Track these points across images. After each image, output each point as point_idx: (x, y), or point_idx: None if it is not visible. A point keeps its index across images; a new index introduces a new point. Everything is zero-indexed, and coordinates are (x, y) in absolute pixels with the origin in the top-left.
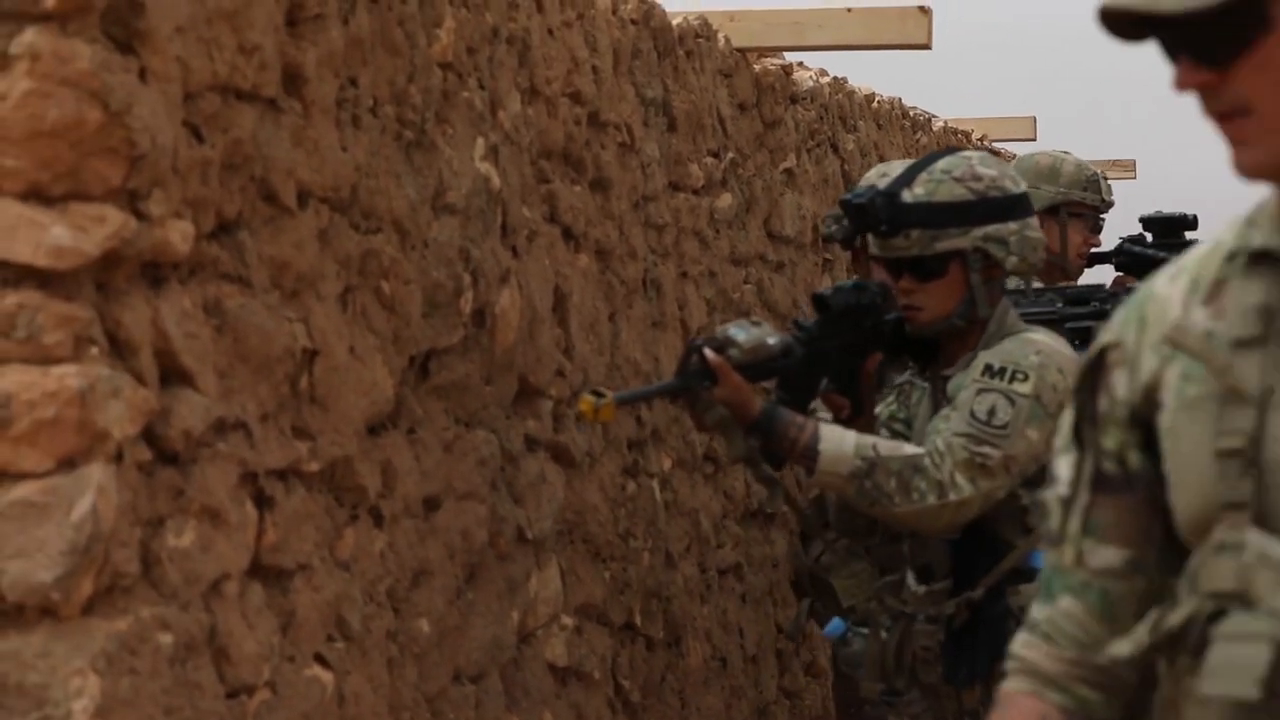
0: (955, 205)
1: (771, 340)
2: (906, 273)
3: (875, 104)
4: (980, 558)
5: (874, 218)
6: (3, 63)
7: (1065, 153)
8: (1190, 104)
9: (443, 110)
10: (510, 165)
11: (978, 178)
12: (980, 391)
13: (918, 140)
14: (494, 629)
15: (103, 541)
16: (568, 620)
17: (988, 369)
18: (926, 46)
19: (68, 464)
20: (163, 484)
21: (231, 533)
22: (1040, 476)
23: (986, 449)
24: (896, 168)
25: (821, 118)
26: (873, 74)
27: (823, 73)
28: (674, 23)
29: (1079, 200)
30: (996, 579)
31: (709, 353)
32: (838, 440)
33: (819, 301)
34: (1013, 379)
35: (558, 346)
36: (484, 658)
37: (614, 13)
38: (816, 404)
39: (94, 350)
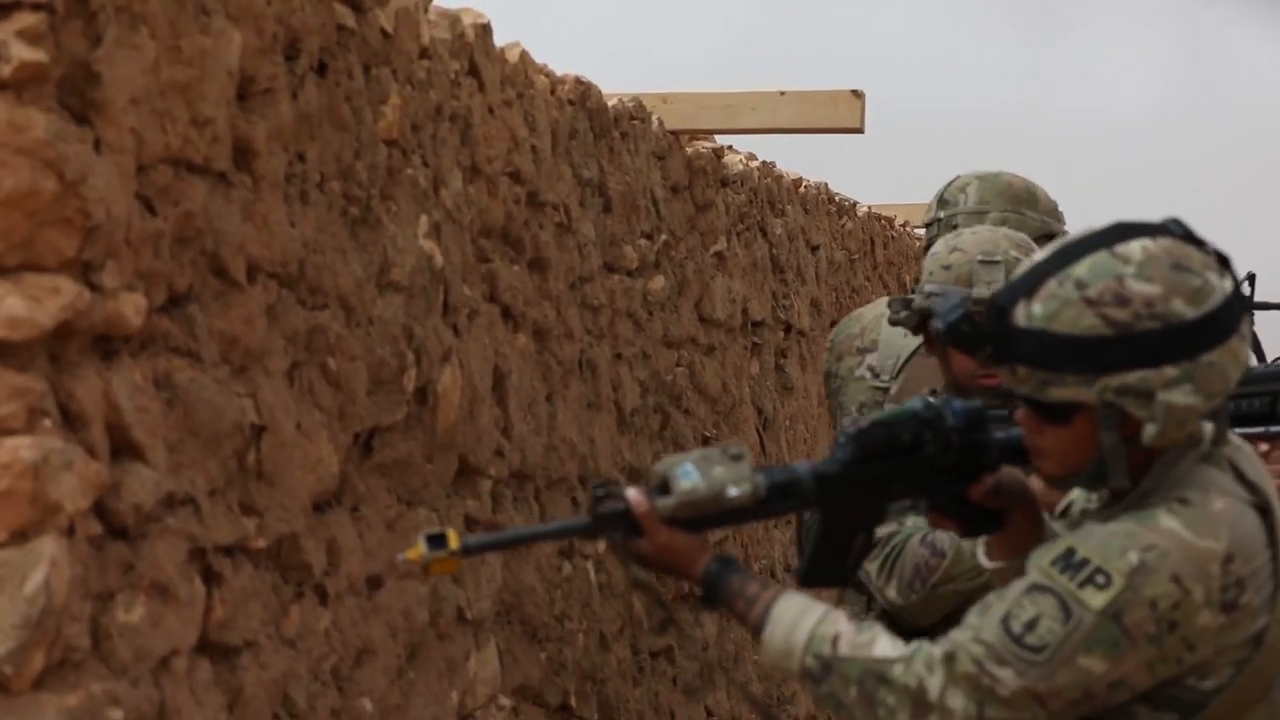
0: (1079, 342)
1: (734, 491)
2: (1026, 405)
3: (802, 189)
4: None
5: (968, 339)
6: None
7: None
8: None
9: (387, 187)
10: (452, 243)
11: (1123, 300)
12: (1032, 589)
13: (843, 225)
14: (434, 709)
15: (54, 615)
16: (505, 701)
17: (1066, 555)
18: (859, 130)
19: (20, 536)
20: (113, 558)
21: (180, 609)
22: (1163, 698)
23: (1006, 673)
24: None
25: (751, 201)
26: (798, 157)
27: (751, 157)
28: (609, 104)
29: (1054, 232)
30: None
31: (634, 495)
32: (788, 627)
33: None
34: (1087, 582)
35: (497, 426)
36: None
37: (552, 93)
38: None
39: (46, 422)
